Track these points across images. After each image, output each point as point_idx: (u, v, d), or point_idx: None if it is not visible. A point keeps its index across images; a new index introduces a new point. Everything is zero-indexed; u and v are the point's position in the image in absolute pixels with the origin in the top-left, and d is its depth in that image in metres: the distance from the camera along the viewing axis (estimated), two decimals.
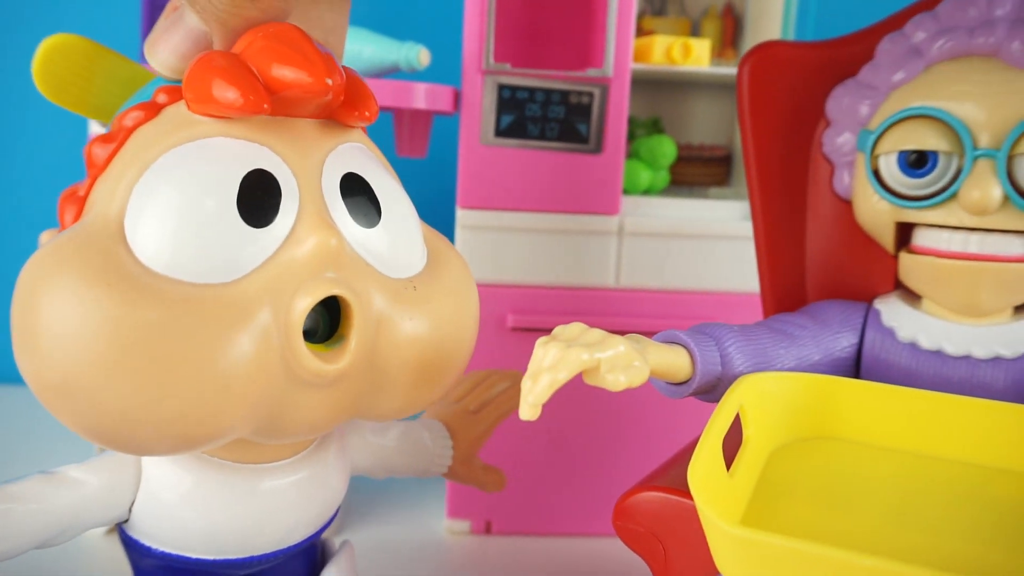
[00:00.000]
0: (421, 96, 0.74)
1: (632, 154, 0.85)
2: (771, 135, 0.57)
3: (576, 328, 0.41)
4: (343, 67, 0.42)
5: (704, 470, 0.36)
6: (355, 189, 0.43)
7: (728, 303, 0.79)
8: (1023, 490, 0.41)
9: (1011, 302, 0.49)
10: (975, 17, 0.49)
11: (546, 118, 0.74)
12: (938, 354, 0.49)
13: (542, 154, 0.76)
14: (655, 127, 0.91)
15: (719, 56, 0.93)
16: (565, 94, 0.74)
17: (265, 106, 0.38)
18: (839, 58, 0.56)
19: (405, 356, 0.43)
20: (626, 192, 0.83)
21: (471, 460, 0.64)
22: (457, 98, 0.76)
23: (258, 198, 0.38)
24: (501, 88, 0.74)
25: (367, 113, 0.42)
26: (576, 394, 0.79)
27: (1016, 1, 0.48)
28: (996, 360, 0.48)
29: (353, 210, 0.42)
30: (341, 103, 0.42)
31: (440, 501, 0.89)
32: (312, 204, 0.40)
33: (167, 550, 0.45)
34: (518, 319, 0.77)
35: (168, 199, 0.37)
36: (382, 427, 0.57)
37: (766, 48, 0.57)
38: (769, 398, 0.45)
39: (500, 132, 0.75)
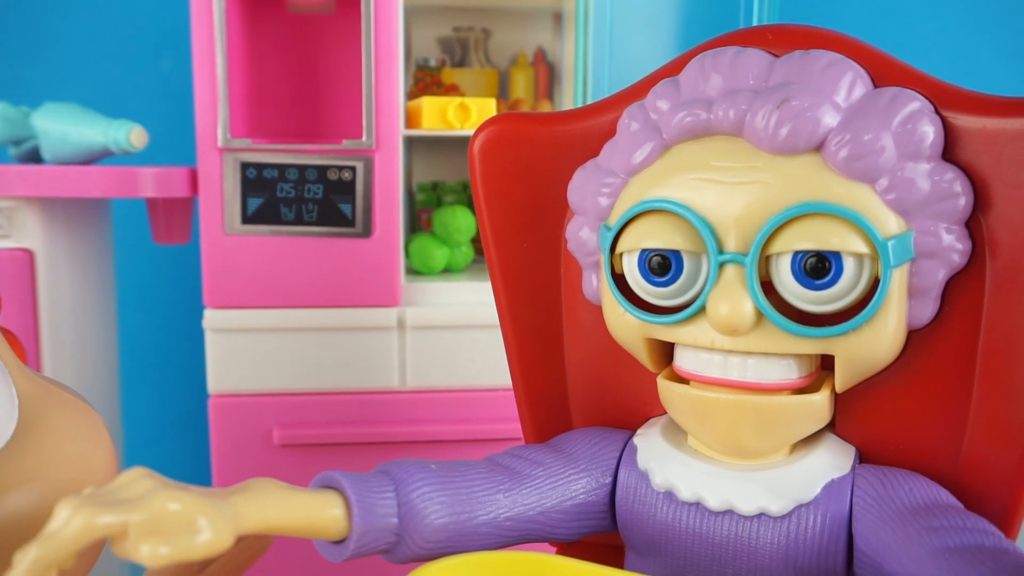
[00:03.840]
0: (148, 183, 0.62)
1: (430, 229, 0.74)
2: (513, 227, 0.46)
3: (128, 476, 0.31)
4: None
5: None
6: None
7: None
8: None
9: (782, 442, 0.39)
10: (717, 86, 0.39)
11: (302, 198, 0.63)
12: (697, 507, 0.39)
13: (301, 240, 0.65)
14: (465, 191, 0.81)
15: (535, 109, 0.83)
16: (323, 170, 0.63)
17: None
18: (586, 132, 0.45)
19: None
20: (422, 274, 0.72)
21: None
22: (196, 180, 0.65)
23: None
24: (245, 167, 0.63)
25: None
26: None
27: (764, 64, 0.38)
28: (761, 517, 0.38)
29: None
30: None
31: None
32: None
33: None
34: (287, 434, 0.66)
35: None
36: None
37: (498, 123, 0.46)
38: None
39: (248, 218, 0.63)
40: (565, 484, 0.41)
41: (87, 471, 0.38)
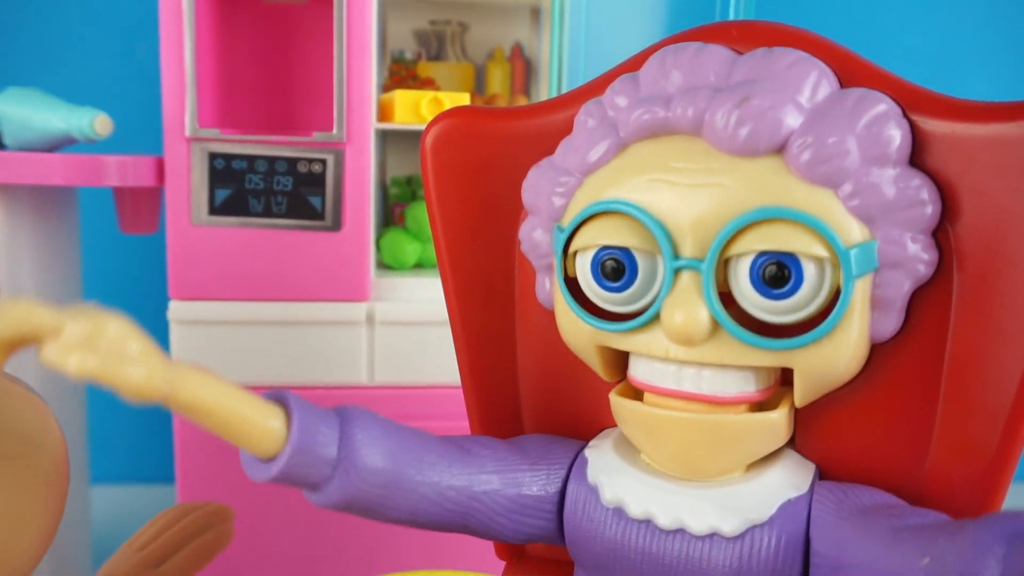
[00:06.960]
0: (113, 171, 0.61)
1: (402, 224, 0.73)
2: (466, 226, 0.44)
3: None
4: None
5: None
6: None
7: None
8: None
9: (737, 462, 0.37)
10: (677, 82, 0.37)
11: (271, 190, 0.62)
12: (647, 524, 0.37)
13: (269, 233, 0.64)
14: None
15: (511, 103, 0.82)
16: (292, 162, 0.62)
17: None
18: (543, 128, 0.43)
19: None
20: (393, 268, 0.71)
21: None
22: (163, 169, 0.64)
23: None
24: (213, 157, 0.62)
25: None
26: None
27: (726, 61, 0.37)
28: (713, 537, 0.36)
29: None
30: None
31: None
32: None
33: None
34: None
35: None
36: None
37: (450, 117, 0.44)
38: None
39: (215, 209, 0.62)
40: (514, 473, 0.39)
41: (32, 456, 0.37)
